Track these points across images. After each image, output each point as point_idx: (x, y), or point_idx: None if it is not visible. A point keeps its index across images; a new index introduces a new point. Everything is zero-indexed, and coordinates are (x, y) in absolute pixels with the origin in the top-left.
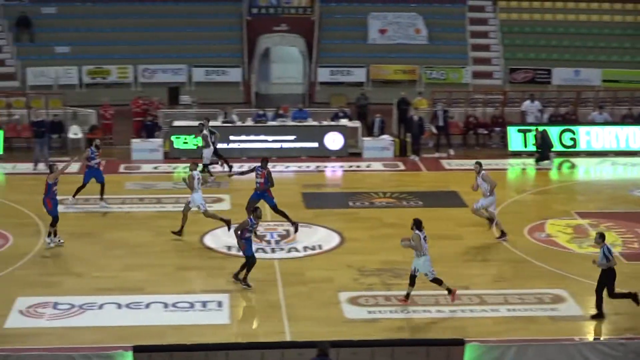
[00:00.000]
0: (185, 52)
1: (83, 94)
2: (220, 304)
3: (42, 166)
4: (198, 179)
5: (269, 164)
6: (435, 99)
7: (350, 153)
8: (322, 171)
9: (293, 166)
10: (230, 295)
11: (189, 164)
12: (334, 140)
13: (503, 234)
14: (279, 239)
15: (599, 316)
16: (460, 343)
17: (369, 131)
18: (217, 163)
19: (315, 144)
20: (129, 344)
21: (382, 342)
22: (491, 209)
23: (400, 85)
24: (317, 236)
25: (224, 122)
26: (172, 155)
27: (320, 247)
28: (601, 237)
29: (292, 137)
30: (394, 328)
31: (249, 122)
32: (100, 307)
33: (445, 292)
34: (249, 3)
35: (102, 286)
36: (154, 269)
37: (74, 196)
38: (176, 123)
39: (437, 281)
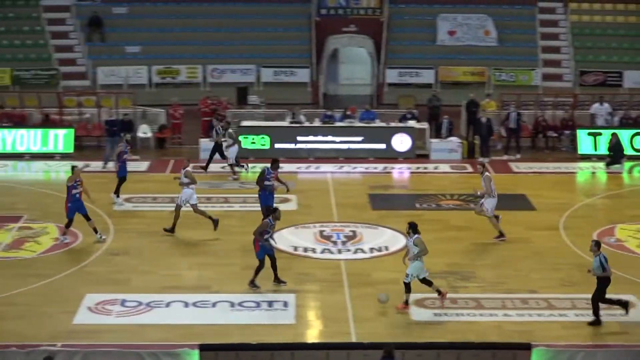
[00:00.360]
0: (254, 52)
1: (152, 93)
2: (286, 303)
3: (111, 165)
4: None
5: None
6: (504, 101)
7: (417, 155)
8: (389, 172)
9: (360, 167)
10: (297, 295)
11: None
12: (401, 142)
13: (501, 234)
14: (345, 239)
15: (597, 323)
16: (527, 347)
17: (437, 133)
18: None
19: (383, 145)
20: (195, 342)
21: (447, 344)
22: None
23: (468, 87)
24: (384, 237)
25: (291, 123)
26: (240, 155)
27: (386, 248)
28: (597, 245)
29: (359, 138)
30: (460, 331)
31: (317, 123)
32: (167, 305)
33: (436, 293)
34: (318, 4)
35: (169, 284)
36: (220, 267)
37: (117, 195)
38: (244, 123)
39: (427, 282)
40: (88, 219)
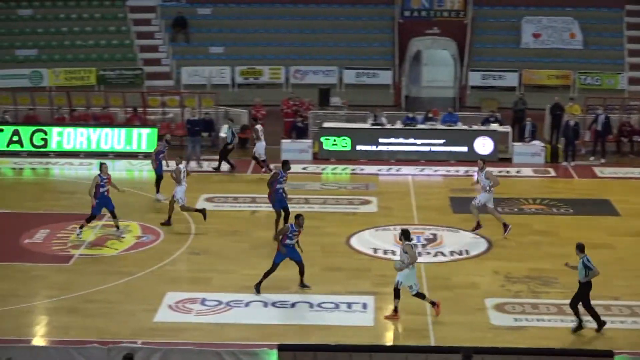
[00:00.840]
0: (336, 54)
1: (235, 93)
2: (365, 305)
3: (193, 164)
4: (184, 172)
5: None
6: (589, 105)
7: (500, 158)
8: (471, 176)
9: (442, 170)
10: (376, 298)
11: (176, 160)
12: (483, 145)
13: (505, 226)
14: (425, 242)
15: (601, 324)
16: (609, 355)
17: (520, 136)
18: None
19: (465, 148)
20: (274, 343)
21: (527, 350)
22: (489, 205)
23: (553, 90)
24: (464, 241)
25: (373, 125)
26: (321, 156)
27: (467, 252)
28: (579, 247)
29: (441, 141)
30: (540, 337)
31: (398, 125)
32: (247, 304)
33: (430, 305)
34: (402, 6)
35: (249, 284)
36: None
37: (157, 192)
38: (326, 124)
39: (420, 296)
40: (114, 216)
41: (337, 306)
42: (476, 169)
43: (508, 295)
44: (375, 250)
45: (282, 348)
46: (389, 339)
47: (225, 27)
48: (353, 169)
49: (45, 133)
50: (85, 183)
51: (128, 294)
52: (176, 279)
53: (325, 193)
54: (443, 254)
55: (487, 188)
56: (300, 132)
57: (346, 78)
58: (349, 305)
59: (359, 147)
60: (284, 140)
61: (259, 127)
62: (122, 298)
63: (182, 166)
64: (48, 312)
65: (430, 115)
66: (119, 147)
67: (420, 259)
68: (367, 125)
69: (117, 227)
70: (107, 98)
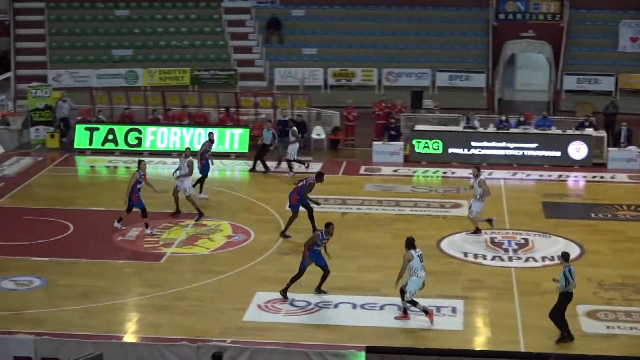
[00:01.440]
0: (429, 56)
1: (327, 95)
2: (454, 309)
3: (284, 165)
4: (192, 163)
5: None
6: None
7: (594, 163)
8: (564, 181)
9: (534, 174)
10: (465, 302)
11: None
12: (577, 150)
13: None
14: (516, 247)
15: (569, 338)
16: None
17: (614, 141)
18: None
19: (558, 153)
20: (361, 344)
21: (619, 358)
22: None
23: None
24: (557, 247)
25: (465, 128)
26: (412, 159)
27: (559, 258)
28: (564, 256)
29: (534, 145)
30: (633, 345)
31: (491, 129)
32: (336, 306)
33: (423, 313)
34: (496, 8)
35: (338, 285)
36: (389, 271)
37: (200, 191)
38: (418, 127)
39: (412, 302)
40: (144, 215)
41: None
42: (571, 174)
43: (600, 303)
44: (465, 254)
45: (370, 350)
46: (478, 344)
47: (319, 28)
48: (444, 172)
49: (140, 132)
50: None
51: (218, 293)
52: (266, 279)
53: (416, 196)
54: (534, 259)
55: (478, 197)
56: (391, 135)
57: (439, 81)
58: (438, 308)
59: (450, 150)
60: (375, 143)
61: (295, 128)
62: (212, 297)
63: (192, 157)
64: (139, 309)
65: (523, 119)
66: (212, 146)
67: (510, 264)
68: (459, 128)
69: (147, 225)
70: (201, 98)
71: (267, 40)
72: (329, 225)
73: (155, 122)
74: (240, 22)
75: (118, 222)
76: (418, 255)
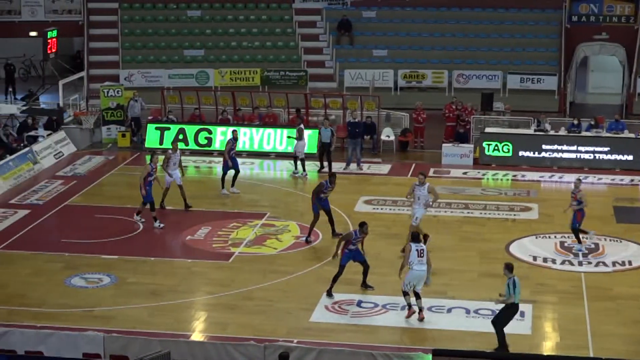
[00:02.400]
0: (500, 58)
1: (397, 97)
2: (522, 313)
3: (353, 166)
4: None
5: None
6: None
7: None
8: (637, 185)
9: (606, 178)
10: (534, 306)
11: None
12: None
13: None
14: (586, 252)
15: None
16: None
17: None
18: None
19: (631, 157)
20: (428, 347)
21: None
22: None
23: None
24: (628, 252)
25: (536, 131)
26: (482, 162)
27: (630, 263)
28: (508, 267)
29: (606, 149)
30: None
31: (562, 132)
32: (403, 308)
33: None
34: (569, 11)
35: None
36: (457, 274)
37: (232, 185)
38: (488, 129)
39: (405, 293)
40: (152, 208)
41: (494, 313)
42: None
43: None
44: (534, 257)
45: (436, 353)
46: (546, 349)
47: (389, 30)
48: (514, 175)
49: (210, 132)
50: (248, 183)
51: (286, 293)
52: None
53: (485, 199)
54: (605, 264)
55: (430, 203)
56: (461, 137)
57: (510, 83)
58: None
59: (520, 153)
60: (445, 145)
61: (302, 126)
62: (280, 297)
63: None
64: (207, 308)
65: (595, 122)
66: (281, 147)
67: (580, 268)
68: (530, 131)
69: (155, 218)
70: (271, 99)
71: (338, 42)
72: (362, 224)
73: (225, 123)
74: (311, 23)
75: (137, 214)
76: (416, 250)
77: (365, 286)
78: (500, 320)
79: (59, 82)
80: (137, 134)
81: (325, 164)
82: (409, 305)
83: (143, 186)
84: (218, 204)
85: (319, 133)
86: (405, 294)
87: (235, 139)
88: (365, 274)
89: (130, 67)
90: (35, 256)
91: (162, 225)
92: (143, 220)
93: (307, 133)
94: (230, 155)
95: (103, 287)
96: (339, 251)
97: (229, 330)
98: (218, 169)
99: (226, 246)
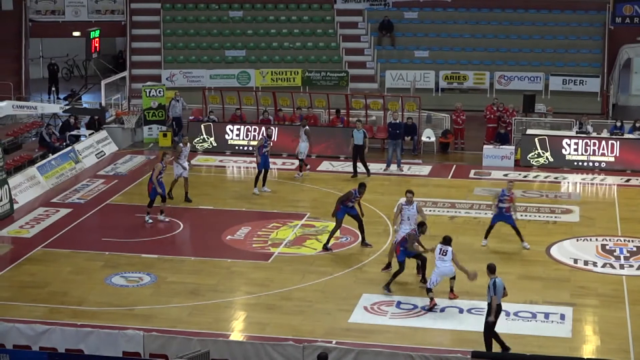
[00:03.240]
0: (542, 60)
1: (438, 98)
2: (562, 316)
3: (393, 167)
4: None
5: None
6: None
7: None
8: None
9: None
10: (574, 309)
11: None
12: None
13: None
14: (628, 255)
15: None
16: None
17: None
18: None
19: None
20: (467, 349)
21: None
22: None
23: None
24: None
25: (578, 133)
26: (523, 164)
27: None
28: (489, 269)
29: None
30: None
31: (605, 134)
32: (442, 310)
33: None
34: (613, 12)
35: (445, 289)
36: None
37: (255, 186)
38: (529, 131)
39: (428, 290)
40: (164, 199)
41: (534, 316)
42: None
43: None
44: (575, 260)
45: (475, 355)
46: (586, 352)
47: (431, 31)
48: (555, 177)
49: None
50: (287, 183)
51: (325, 294)
52: (372, 281)
53: (526, 201)
54: None
55: (415, 222)
56: (502, 138)
57: (552, 85)
58: (546, 315)
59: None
60: (486, 146)
61: (308, 128)
62: (319, 297)
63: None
64: (246, 308)
65: (638, 124)
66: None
67: (622, 271)
68: (572, 133)
69: (162, 211)
70: (312, 99)
71: (379, 43)
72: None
73: (266, 123)
74: (353, 24)
75: (161, 214)
76: (439, 250)
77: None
78: (489, 324)
79: (101, 82)
80: (178, 134)
81: (359, 169)
82: (432, 299)
83: (157, 185)
84: (258, 204)
85: (352, 135)
86: (429, 291)
87: (268, 136)
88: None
89: (172, 67)
90: (76, 254)
91: (167, 219)
92: (167, 220)
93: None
94: (262, 153)
95: (143, 286)
96: (397, 248)
97: (267, 330)
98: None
99: (266, 246)
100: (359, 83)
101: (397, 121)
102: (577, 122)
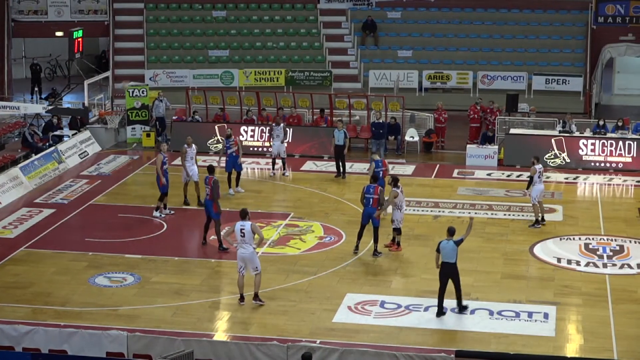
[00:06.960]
0: (525, 59)
1: (422, 98)
2: (546, 315)
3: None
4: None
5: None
6: None
7: None
8: None
9: (631, 180)
10: (558, 308)
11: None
12: None
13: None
14: (611, 254)
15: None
16: None
17: None
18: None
19: None
20: (451, 349)
21: None
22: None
23: None
24: None
25: (561, 132)
26: (506, 163)
27: None
28: (449, 231)
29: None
30: None
31: (588, 133)
32: (426, 309)
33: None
34: (595, 12)
35: (429, 289)
36: (481, 275)
37: (229, 187)
38: (513, 131)
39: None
40: (162, 197)
41: (517, 315)
42: None
43: None
44: (559, 259)
45: (460, 354)
46: (569, 351)
47: (414, 31)
48: (547, 177)
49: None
50: (274, 184)
51: (309, 294)
52: (356, 281)
53: (509, 200)
54: (630, 266)
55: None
56: (488, 140)
57: (535, 84)
58: (530, 314)
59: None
60: (469, 146)
61: (284, 125)
62: (303, 297)
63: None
64: (230, 308)
65: (620, 124)
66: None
67: (605, 270)
68: (555, 133)
69: (165, 206)
70: (295, 99)
71: (363, 42)
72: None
73: (250, 123)
74: (336, 24)
75: (156, 210)
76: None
77: (375, 254)
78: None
79: (84, 82)
80: (161, 134)
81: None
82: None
83: (161, 175)
84: (242, 204)
85: (333, 135)
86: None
87: (227, 137)
88: (375, 239)
89: (156, 67)
90: (59, 255)
91: (163, 215)
92: (164, 215)
93: None
94: (228, 154)
95: (127, 286)
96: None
97: (251, 330)
98: (246, 169)
99: None
100: (342, 83)
101: (381, 121)
102: (561, 122)
